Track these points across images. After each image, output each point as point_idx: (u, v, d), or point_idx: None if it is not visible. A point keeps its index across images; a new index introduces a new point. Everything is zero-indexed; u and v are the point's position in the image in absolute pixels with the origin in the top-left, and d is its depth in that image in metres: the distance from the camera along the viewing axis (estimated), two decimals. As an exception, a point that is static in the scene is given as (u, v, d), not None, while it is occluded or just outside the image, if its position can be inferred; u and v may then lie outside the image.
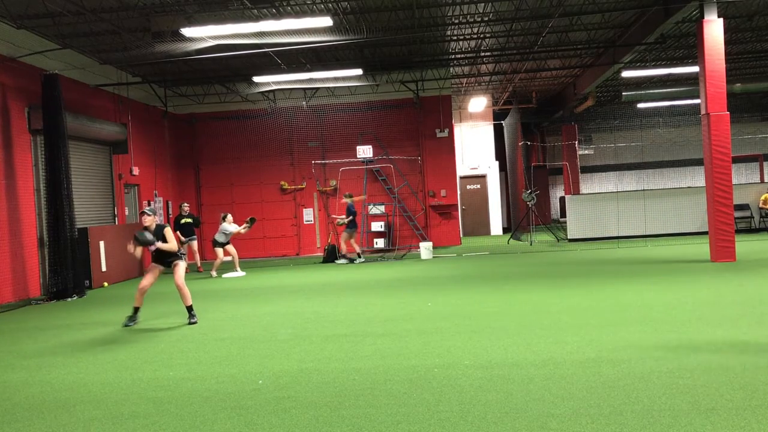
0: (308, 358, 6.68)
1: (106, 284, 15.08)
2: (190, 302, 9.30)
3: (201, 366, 6.62)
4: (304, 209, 21.56)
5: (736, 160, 16.69)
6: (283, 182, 21.45)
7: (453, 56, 19.65)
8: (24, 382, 6.39)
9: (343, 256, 17.85)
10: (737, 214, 18.68)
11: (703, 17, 13.12)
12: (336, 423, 4.67)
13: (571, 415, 4.52)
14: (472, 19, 15.98)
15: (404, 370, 6.01)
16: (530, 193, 20.55)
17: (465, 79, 23.55)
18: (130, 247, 9.34)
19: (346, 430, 4.51)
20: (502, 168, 27.06)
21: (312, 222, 21.53)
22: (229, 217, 16.07)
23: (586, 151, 33.10)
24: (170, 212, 20.62)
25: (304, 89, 20.51)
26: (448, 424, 4.49)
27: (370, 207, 20.57)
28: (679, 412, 4.48)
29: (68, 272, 13.26)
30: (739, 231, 16.45)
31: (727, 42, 15.93)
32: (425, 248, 17.76)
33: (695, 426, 4.20)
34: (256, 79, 17.66)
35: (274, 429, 4.62)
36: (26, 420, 5.17)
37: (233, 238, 16.24)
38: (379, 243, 20.38)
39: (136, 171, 18.11)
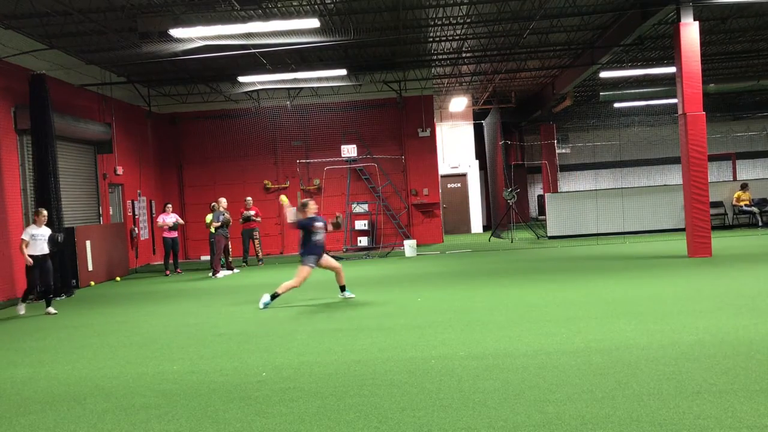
0: (307, 351, 6.89)
1: (92, 283, 15.11)
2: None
3: (203, 360, 6.80)
4: (287, 208, 21.66)
5: (710, 158, 17.22)
6: (266, 181, 21.59)
7: (435, 57, 19.94)
8: (30, 377, 6.52)
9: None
10: (712, 211, 19.20)
11: (679, 20, 13.53)
12: (343, 410, 4.89)
13: (566, 400, 4.79)
14: (455, 21, 16.27)
15: (402, 361, 6.25)
16: (511, 191, 20.91)
17: (446, 80, 23.85)
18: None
19: (353, 417, 4.73)
20: (482, 167, 27.42)
21: (296, 221, 21.65)
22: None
23: (564, 150, 33.61)
24: (153, 212, 20.65)
25: (288, 89, 20.65)
26: (450, 410, 4.74)
27: (354, 206, 20.79)
28: (666, 396, 4.77)
29: (56, 272, 13.27)
30: (713, 227, 16.92)
31: (701, 43, 16.39)
32: (409, 246, 18.02)
33: (682, 408, 4.49)
34: (241, 79, 17.80)
35: (284, 417, 4.83)
36: (39, 413, 5.32)
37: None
38: (363, 241, 20.61)
39: (120, 170, 18.13)
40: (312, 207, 10.50)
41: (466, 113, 26.10)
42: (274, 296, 10.13)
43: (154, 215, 20.40)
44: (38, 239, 10.90)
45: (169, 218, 16.60)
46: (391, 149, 21.47)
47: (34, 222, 11.09)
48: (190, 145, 21.74)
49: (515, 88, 26.63)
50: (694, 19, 13.58)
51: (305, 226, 10.24)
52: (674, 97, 15.23)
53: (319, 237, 10.33)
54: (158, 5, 12.99)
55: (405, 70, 20.59)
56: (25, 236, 10.88)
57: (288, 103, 21.18)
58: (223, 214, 15.51)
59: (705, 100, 14.26)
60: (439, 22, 16.34)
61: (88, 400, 5.59)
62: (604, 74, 20.03)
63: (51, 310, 11.02)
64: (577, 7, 15.56)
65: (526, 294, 9.94)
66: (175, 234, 16.76)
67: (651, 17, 14.86)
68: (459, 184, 26.04)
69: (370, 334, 7.57)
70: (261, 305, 10.04)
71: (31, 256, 10.74)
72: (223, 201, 15.91)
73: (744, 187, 20.71)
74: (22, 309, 11.09)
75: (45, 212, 11.22)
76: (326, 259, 10.57)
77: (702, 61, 14.91)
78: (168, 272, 16.73)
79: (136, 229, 19.06)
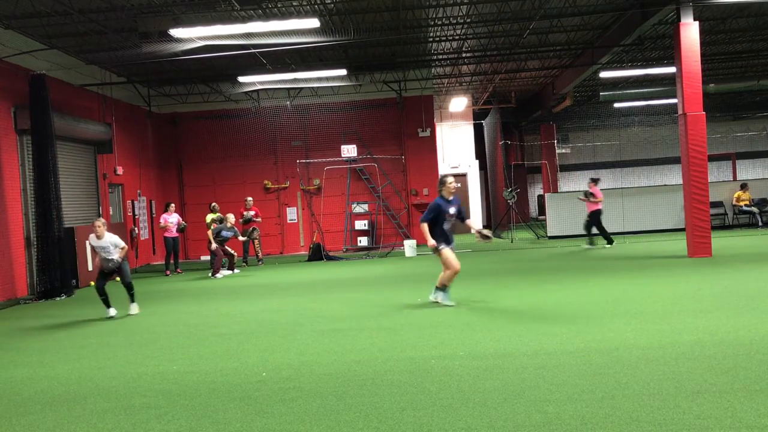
0: (307, 351, 6.90)
1: (92, 283, 15.06)
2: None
3: (203, 360, 6.80)
4: (287, 208, 21.73)
5: (710, 158, 17.18)
6: (266, 181, 21.59)
7: (435, 57, 19.95)
8: (30, 377, 6.52)
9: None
10: (712, 211, 19.22)
11: (679, 20, 13.52)
12: (343, 411, 4.89)
13: (566, 400, 4.79)
14: (455, 21, 16.27)
15: (402, 361, 6.25)
16: (511, 191, 20.90)
17: (446, 80, 23.85)
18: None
19: (353, 418, 4.73)
20: (482, 167, 27.43)
21: (296, 221, 21.70)
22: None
23: (564, 150, 33.64)
24: (153, 212, 20.65)
25: (288, 89, 20.66)
26: (451, 410, 4.74)
27: (354, 206, 20.81)
28: (666, 396, 4.77)
29: (56, 271, 13.32)
30: (713, 227, 16.97)
31: (701, 43, 16.42)
32: (409, 246, 18.03)
33: (683, 408, 4.50)
34: (241, 79, 17.80)
35: (284, 417, 4.83)
36: (39, 413, 5.32)
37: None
38: (363, 241, 20.61)
39: (120, 170, 18.13)
40: (450, 185, 9.06)
41: (466, 113, 26.11)
42: (442, 288, 9.27)
43: (154, 215, 20.41)
44: (99, 251, 10.05)
45: (171, 218, 16.57)
46: (391, 149, 21.46)
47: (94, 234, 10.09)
48: (190, 145, 21.74)
49: (515, 88, 26.63)
50: (694, 19, 13.58)
51: (438, 215, 8.95)
52: (674, 97, 15.23)
53: (448, 226, 9.05)
54: (158, 5, 12.99)
55: (405, 70, 20.59)
56: (91, 244, 10.19)
57: (288, 103, 21.18)
58: (227, 230, 15.51)
59: (705, 100, 14.26)
60: (439, 22, 16.34)
61: (88, 400, 5.59)
62: (604, 74, 20.03)
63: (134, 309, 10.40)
64: (577, 7, 15.55)
65: (526, 294, 9.94)
66: (176, 234, 16.75)
67: (651, 17, 14.85)
68: (459, 184, 25.96)
69: (370, 334, 7.57)
70: (444, 301, 9.21)
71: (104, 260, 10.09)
72: (231, 218, 15.86)
73: (744, 187, 20.71)
74: (112, 311, 10.20)
75: (98, 222, 10.01)
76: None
77: (702, 61, 14.90)
78: (168, 272, 16.72)
79: (136, 229, 19.06)
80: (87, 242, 14.41)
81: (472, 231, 9.28)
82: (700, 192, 13.50)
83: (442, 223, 8.94)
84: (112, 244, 10.01)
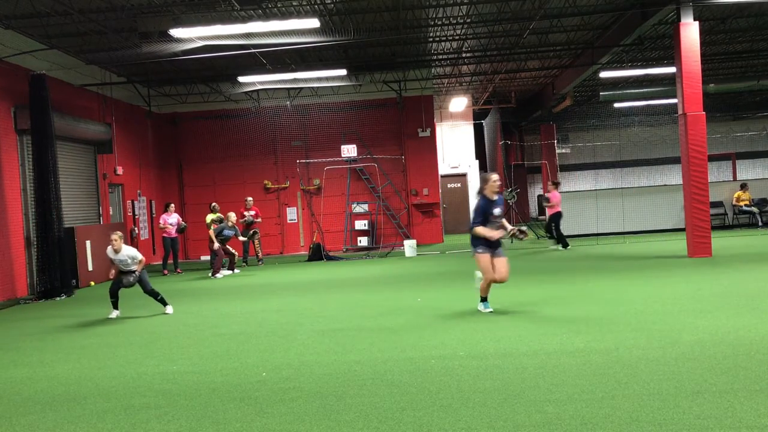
0: (307, 352, 6.90)
1: (92, 283, 15.11)
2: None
3: (203, 360, 6.80)
4: (287, 208, 21.74)
5: (710, 158, 17.15)
6: (266, 181, 21.60)
7: (435, 57, 19.95)
8: (30, 377, 6.53)
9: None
10: (712, 211, 19.22)
11: (679, 20, 13.53)
12: (343, 411, 4.89)
13: (566, 400, 4.79)
14: (455, 21, 16.27)
15: (402, 361, 6.25)
16: (511, 191, 20.91)
17: (446, 80, 23.86)
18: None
19: (353, 418, 4.73)
20: (482, 167, 27.41)
21: (296, 221, 21.71)
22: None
23: (564, 150, 33.62)
24: (153, 212, 20.65)
25: (288, 89, 20.66)
26: (450, 411, 4.74)
27: (354, 206, 20.81)
28: (666, 396, 4.77)
29: (56, 272, 13.31)
30: (713, 227, 16.97)
31: (701, 43, 16.42)
32: (409, 246, 18.02)
33: (683, 408, 4.50)
34: (240, 79, 17.80)
35: (284, 417, 4.83)
36: (39, 413, 5.32)
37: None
38: (363, 241, 20.61)
39: (120, 170, 18.13)
40: (494, 183, 8.23)
41: (466, 113, 26.11)
42: (483, 299, 8.62)
43: (154, 215, 20.40)
44: (117, 263, 9.82)
45: (171, 218, 16.55)
46: (391, 149, 21.46)
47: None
48: (190, 145, 21.74)
49: (515, 88, 26.63)
50: (694, 19, 13.58)
51: (482, 216, 8.17)
52: (674, 97, 15.23)
53: (491, 228, 8.23)
54: (158, 5, 12.99)
55: (405, 70, 20.59)
56: (109, 256, 9.97)
57: (288, 103, 21.19)
58: (228, 229, 15.47)
59: (705, 100, 14.25)
60: (439, 22, 16.34)
61: (88, 400, 5.59)
62: (604, 74, 20.03)
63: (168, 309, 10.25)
64: (577, 7, 15.55)
65: (525, 294, 9.93)
66: (175, 234, 16.72)
67: (651, 17, 14.86)
68: (459, 184, 26.04)
69: (370, 335, 7.57)
70: (484, 310, 8.50)
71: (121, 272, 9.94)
72: (232, 216, 15.81)
73: (744, 187, 20.71)
74: (115, 314, 10.09)
75: (115, 236, 9.69)
76: (498, 259, 8.27)
77: (702, 61, 14.91)
78: (166, 272, 16.70)
79: (136, 229, 19.06)
80: (87, 242, 14.50)
81: (508, 229, 8.59)
82: (700, 192, 13.51)
83: (485, 225, 8.20)
84: (129, 257, 9.83)
